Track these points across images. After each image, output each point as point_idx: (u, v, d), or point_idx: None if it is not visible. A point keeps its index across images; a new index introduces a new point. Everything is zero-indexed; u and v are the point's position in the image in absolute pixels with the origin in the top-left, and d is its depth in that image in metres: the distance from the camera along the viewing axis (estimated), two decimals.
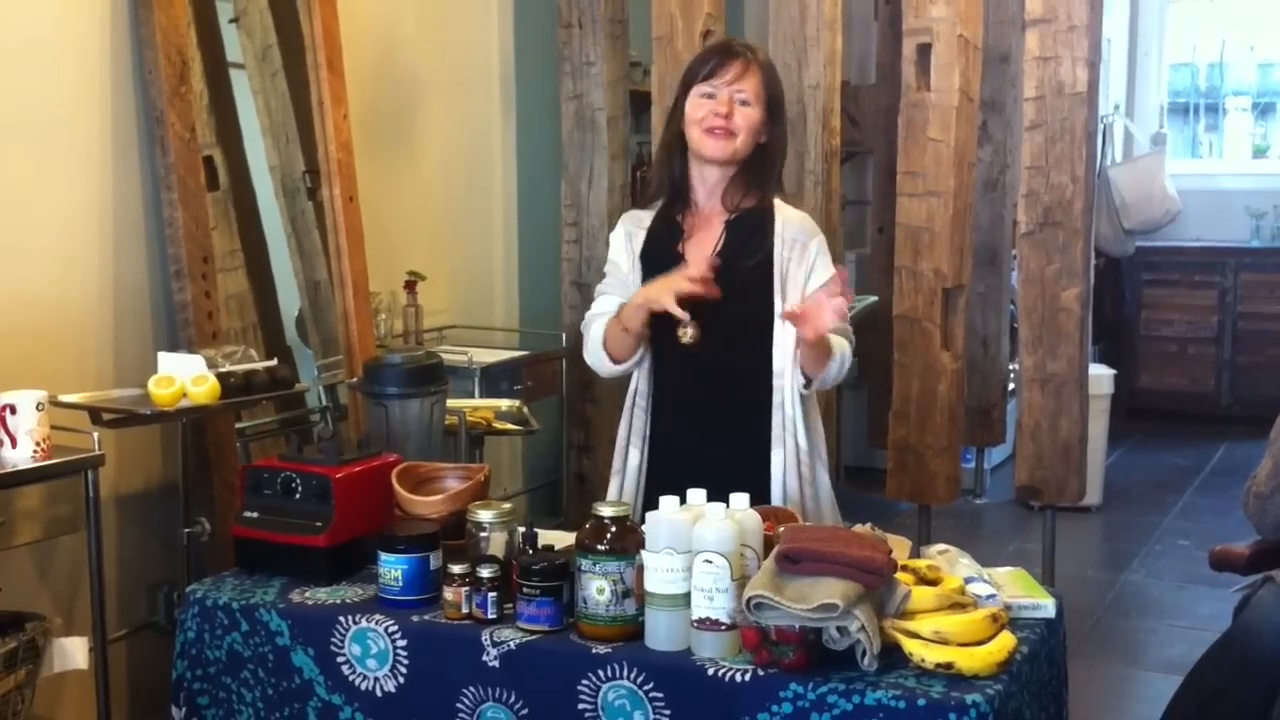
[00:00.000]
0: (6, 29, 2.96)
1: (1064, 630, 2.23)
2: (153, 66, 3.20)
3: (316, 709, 2.19)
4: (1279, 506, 2.72)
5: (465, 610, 2.12)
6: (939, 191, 3.71)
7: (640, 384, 2.63)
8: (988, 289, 5.02)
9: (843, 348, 2.52)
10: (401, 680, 2.12)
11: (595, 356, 2.63)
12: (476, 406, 3.58)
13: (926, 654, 1.88)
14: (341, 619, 2.17)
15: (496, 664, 2.05)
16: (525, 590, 2.06)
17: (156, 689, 2.89)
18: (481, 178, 4.64)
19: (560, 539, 2.27)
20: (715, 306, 2.51)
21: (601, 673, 1.98)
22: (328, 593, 2.27)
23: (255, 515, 2.37)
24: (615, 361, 2.61)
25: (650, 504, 2.10)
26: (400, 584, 2.18)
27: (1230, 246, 7.52)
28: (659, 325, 2.52)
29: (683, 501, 2.05)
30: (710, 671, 1.92)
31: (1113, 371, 5.88)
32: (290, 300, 3.75)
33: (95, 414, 2.84)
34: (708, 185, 2.60)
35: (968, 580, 2.08)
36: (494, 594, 2.11)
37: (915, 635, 1.91)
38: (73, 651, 2.72)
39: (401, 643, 2.12)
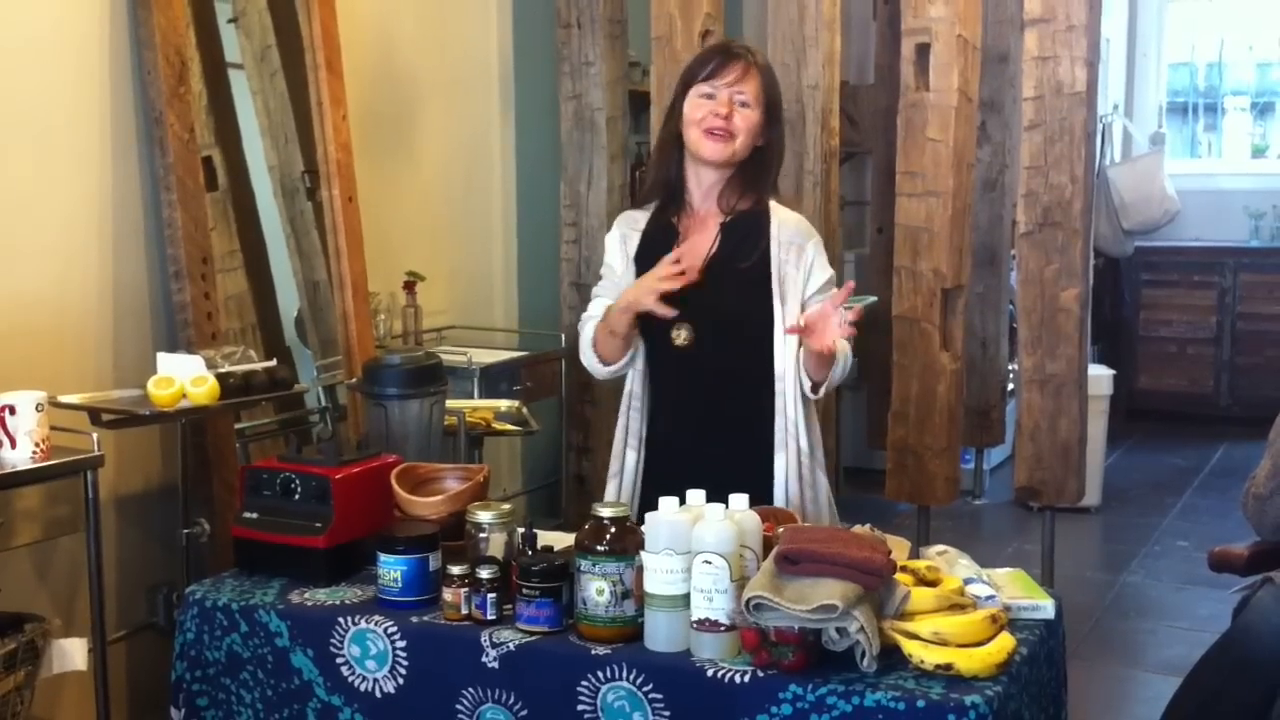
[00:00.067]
0: (6, 29, 2.96)
1: (1063, 631, 2.23)
2: (152, 67, 3.20)
3: (316, 710, 2.19)
4: (1278, 507, 2.72)
5: (465, 611, 2.12)
6: (938, 192, 3.71)
7: (634, 386, 2.62)
8: (987, 289, 5.03)
9: (845, 350, 2.52)
10: (401, 681, 2.12)
11: (587, 359, 2.64)
12: (476, 407, 3.58)
13: (926, 655, 1.88)
14: (341, 620, 2.17)
15: (496, 665, 2.05)
16: (524, 591, 2.06)
17: (156, 690, 2.89)
18: (481, 178, 4.64)
19: (559, 540, 2.27)
20: (711, 308, 2.51)
21: (601, 674, 1.98)
22: (327, 594, 2.26)
23: (254, 516, 2.37)
24: (605, 364, 2.61)
25: (648, 506, 2.10)
26: (399, 585, 2.18)
27: (1229, 246, 7.53)
28: (653, 327, 2.52)
29: (682, 502, 2.05)
30: (709, 673, 1.92)
31: (1112, 372, 5.88)
32: (289, 301, 3.75)
33: (94, 414, 2.84)
34: (704, 187, 2.60)
35: (967, 581, 2.08)
36: (493, 595, 2.11)
37: (914, 636, 1.91)
38: (72, 653, 2.72)
39: (401, 644, 2.12)
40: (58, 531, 2.73)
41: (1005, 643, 1.93)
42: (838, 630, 1.88)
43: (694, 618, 1.96)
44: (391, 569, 2.18)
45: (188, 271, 3.24)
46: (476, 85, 4.60)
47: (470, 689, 2.07)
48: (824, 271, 2.58)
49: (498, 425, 3.60)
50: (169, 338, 3.30)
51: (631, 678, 1.96)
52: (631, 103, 4.70)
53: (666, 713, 1.94)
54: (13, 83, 2.97)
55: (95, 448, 2.70)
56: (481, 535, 2.20)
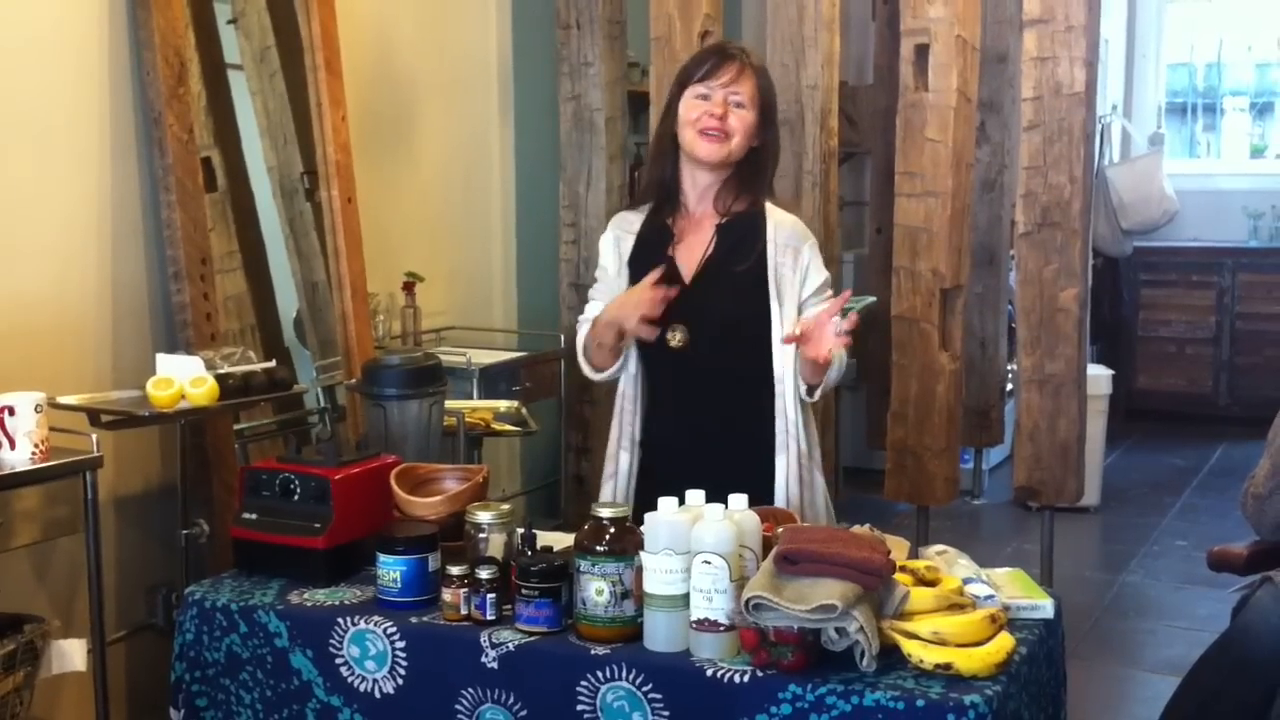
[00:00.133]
0: (6, 30, 2.96)
1: (1062, 631, 2.23)
2: (151, 68, 3.20)
3: (315, 710, 2.19)
4: (1277, 507, 2.72)
5: (464, 611, 2.12)
6: (937, 192, 3.71)
7: (626, 388, 2.63)
8: (986, 290, 5.03)
9: (840, 355, 2.52)
10: (400, 681, 2.12)
11: (582, 363, 2.66)
12: (475, 408, 3.58)
13: (925, 655, 1.88)
14: (340, 620, 2.17)
15: (495, 665, 2.05)
16: (524, 591, 2.06)
17: (155, 691, 2.89)
18: (480, 179, 4.64)
19: (559, 540, 2.27)
20: (707, 310, 2.52)
21: (600, 674, 1.98)
22: (326, 594, 2.27)
23: (254, 517, 2.37)
24: (597, 370, 2.63)
25: (644, 507, 2.10)
26: (399, 585, 2.18)
27: (1228, 246, 7.53)
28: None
29: (681, 502, 2.05)
30: (709, 672, 1.92)
31: (1111, 372, 5.88)
32: (288, 301, 3.75)
33: (94, 415, 2.84)
34: (699, 188, 2.60)
35: (966, 581, 2.08)
36: (493, 595, 2.11)
37: (914, 636, 1.91)
38: (71, 653, 2.72)
39: (400, 644, 2.12)
40: (57, 532, 2.73)
41: (1004, 642, 1.93)
42: (837, 630, 1.88)
43: (693, 618, 1.96)
44: (391, 569, 2.18)
45: (187, 272, 3.24)
46: (476, 86, 4.60)
47: (470, 689, 2.07)
48: (820, 274, 2.58)
49: (497, 426, 3.60)
50: (168, 338, 3.30)
51: (631, 678, 1.96)
52: (631, 103, 4.70)
53: (666, 713, 1.94)
54: (12, 83, 2.97)
55: (94, 448, 2.70)
56: (481, 536, 2.21)
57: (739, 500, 2.06)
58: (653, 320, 2.44)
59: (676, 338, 2.51)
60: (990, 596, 2.05)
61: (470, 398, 3.78)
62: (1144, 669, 4.10)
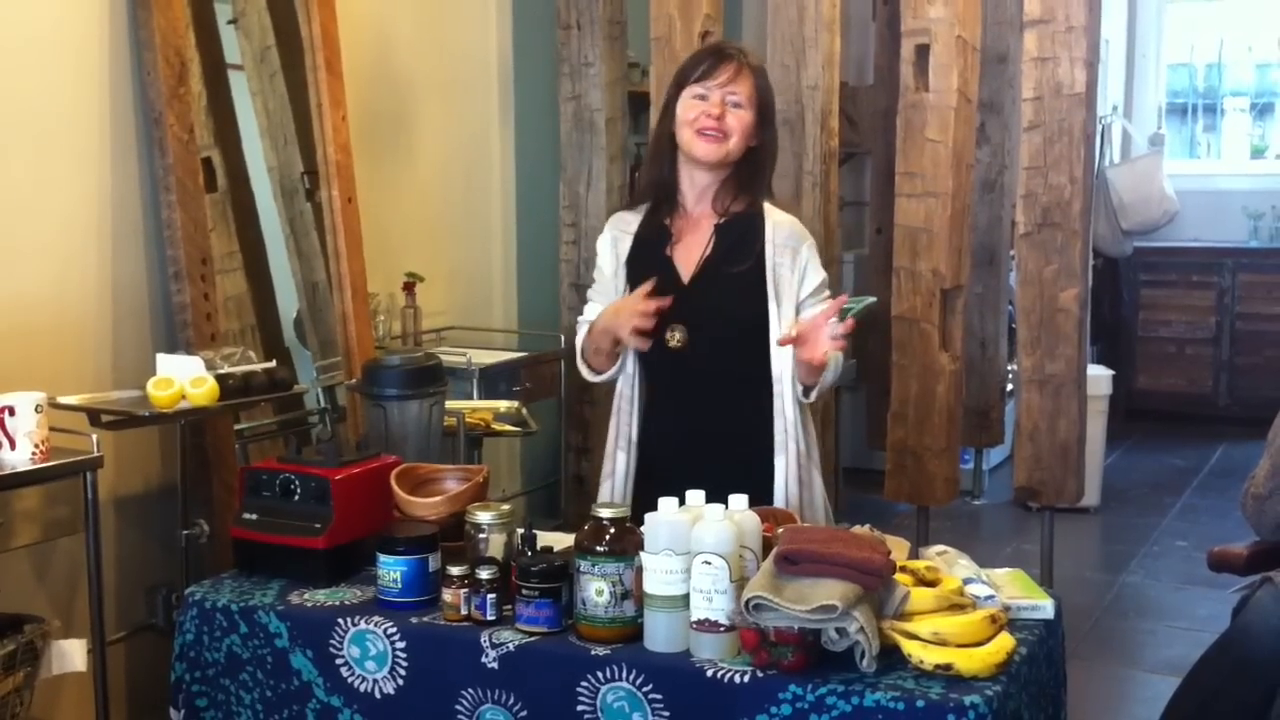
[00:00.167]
0: (6, 29, 2.96)
1: (1062, 631, 2.23)
2: (151, 68, 3.20)
3: (315, 710, 2.19)
4: (1277, 508, 2.72)
5: (464, 612, 2.12)
6: (937, 192, 3.71)
7: (624, 388, 2.63)
8: (986, 290, 5.03)
9: (835, 357, 2.52)
10: (400, 682, 2.12)
11: (580, 365, 2.67)
12: (475, 408, 3.58)
13: (925, 655, 1.88)
14: (340, 621, 2.17)
15: (495, 665, 2.05)
16: (524, 592, 2.06)
17: (155, 691, 2.89)
18: (480, 179, 4.64)
19: (559, 540, 2.27)
20: (706, 310, 2.52)
21: (600, 674, 1.98)
22: (327, 594, 2.27)
23: (254, 517, 2.37)
24: (595, 372, 2.64)
25: (641, 507, 2.10)
26: (399, 586, 2.18)
27: (1228, 247, 7.53)
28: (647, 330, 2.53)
29: (682, 503, 2.05)
30: (709, 673, 1.93)
31: (1111, 372, 5.88)
32: (289, 302, 3.75)
33: (94, 416, 2.84)
34: (697, 188, 2.60)
35: (966, 581, 2.08)
36: (493, 595, 2.11)
37: (914, 636, 1.91)
38: (71, 653, 2.72)
39: (400, 644, 2.12)
40: (57, 532, 2.73)
41: (1005, 643, 1.93)
42: (837, 630, 1.88)
43: (693, 618, 1.96)
44: (391, 570, 2.18)
45: (187, 272, 3.24)
46: (476, 86, 4.60)
47: (470, 689, 2.07)
48: (818, 274, 2.58)
49: (497, 426, 3.60)
50: (168, 339, 3.30)
51: (631, 678, 1.96)
52: (631, 104, 4.70)
53: (666, 713, 1.94)
54: (13, 83, 2.97)
55: (95, 449, 2.70)
56: (481, 536, 2.21)
57: (739, 501, 2.06)
58: (646, 331, 2.45)
59: (676, 338, 2.51)
60: (990, 597, 2.05)
61: (470, 398, 3.78)
62: (1144, 669, 4.10)
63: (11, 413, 2.57)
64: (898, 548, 2.18)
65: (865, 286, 5.70)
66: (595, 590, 2.00)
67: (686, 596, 1.96)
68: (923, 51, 3.72)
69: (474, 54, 4.58)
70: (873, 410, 5.62)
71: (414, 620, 2.14)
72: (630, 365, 2.60)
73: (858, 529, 2.17)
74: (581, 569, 2.02)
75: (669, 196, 2.62)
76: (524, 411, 3.73)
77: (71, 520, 2.70)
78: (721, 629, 1.95)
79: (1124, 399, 7.14)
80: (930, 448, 3.74)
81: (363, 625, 2.15)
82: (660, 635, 1.99)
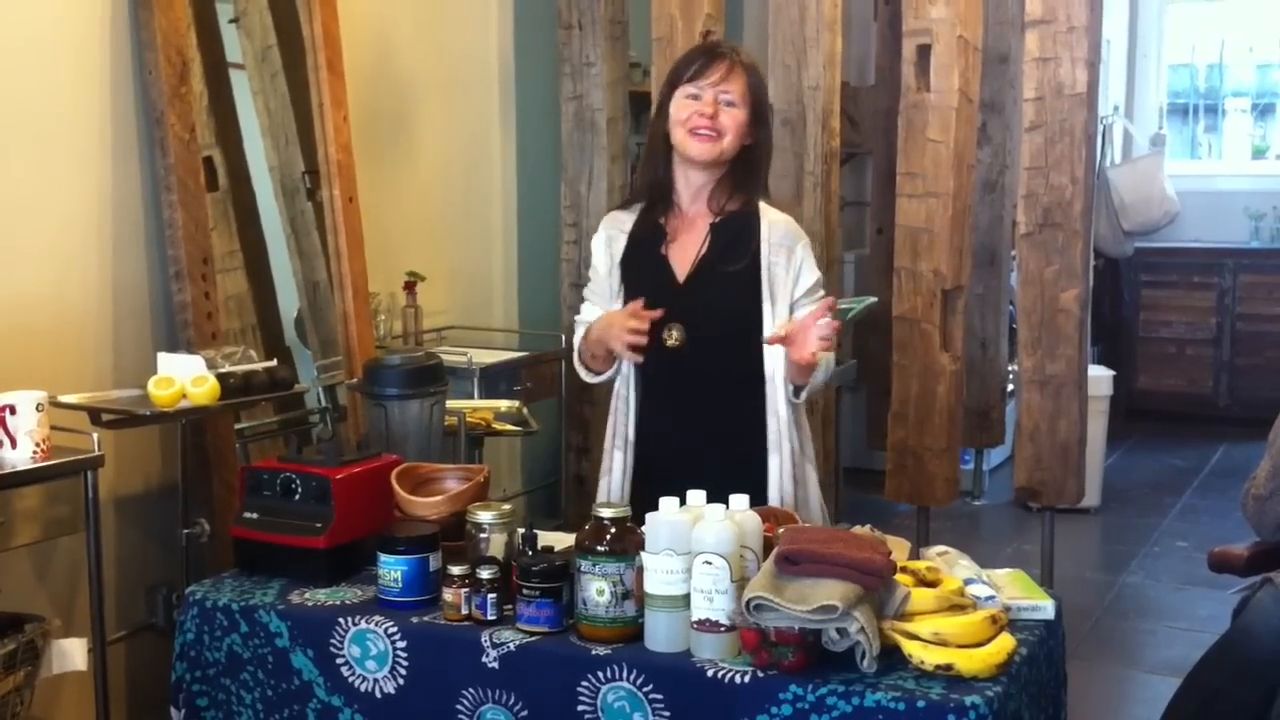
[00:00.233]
0: (6, 30, 2.96)
1: (1063, 632, 2.23)
2: (153, 67, 3.20)
3: (316, 710, 2.19)
4: (1278, 508, 2.72)
5: (465, 611, 2.12)
6: (938, 192, 3.71)
7: (620, 388, 2.65)
8: (987, 290, 5.03)
9: (826, 358, 2.53)
10: (401, 682, 2.12)
11: (577, 366, 2.69)
12: (476, 407, 3.58)
13: (926, 655, 1.88)
14: (341, 620, 2.17)
15: (496, 665, 2.05)
16: (525, 592, 2.06)
17: (155, 690, 2.89)
18: (481, 179, 4.64)
19: (559, 540, 2.27)
20: (702, 309, 2.53)
21: (601, 674, 1.98)
22: (327, 594, 2.27)
23: (255, 516, 2.37)
24: (592, 373, 2.66)
25: (638, 506, 2.11)
26: (400, 585, 2.18)
27: (1229, 248, 7.52)
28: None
29: (683, 503, 2.05)
30: (710, 673, 1.93)
31: (1111, 373, 5.88)
32: (289, 301, 3.75)
33: (95, 415, 2.84)
34: (692, 188, 2.60)
35: (967, 582, 2.08)
36: (493, 595, 2.11)
37: (914, 637, 1.91)
38: (71, 653, 2.72)
39: (401, 644, 2.12)
40: (58, 531, 2.73)
41: (1005, 643, 1.93)
42: (838, 631, 1.88)
43: (694, 618, 1.96)
44: (392, 569, 2.18)
45: (188, 272, 3.24)
46: (477, 86, 4.60)
47: (470, 689, 2.07)
48: (812, 273, 2.59)
49: (498, 425, 3.60)
50: (169, 338, 3.31)
51: (632, 678, 1.96)
52: (632, 104, 4.70)
53: (666, 713, 1.94)
54: (13, 83, 2.97)
55: (95, 448, 2.70)
56: (482, 535, 2.21)
57: (740, 501, 2.06)
58: (638, 346, 2.46)
59: (674, 336, 2.52)
60: (991, 597, 2.05)
61: (471, 397, 3.78)
62: (1144, 670, 4.10)
63: (13, 411, 2.57)
64: (898, 548, 2.18)
65: (866, 287, 5.70)
66: (596, 590, 2.00)
67: (687, 596, 1.96)
68: (924, 51, 3.72)
69: (475, 54, 4.59)
70: (873, 410, 5.62)
71: (415, 620, 2.14)
72: (627, 365, 2.61)
73: (858, 529, 2.17)
74: (582, 569, 2.02)
75: (664, 196, 2.62)
76: (524, 411, 3.73)
77: (72, 519, 2.70)
78: (722, 629, 1.95)
79: (1124, 399, 7.13)
80: (931, 448, 3.74)
81: (363, 625, 2.15)
82: (661, 635, 1.99)
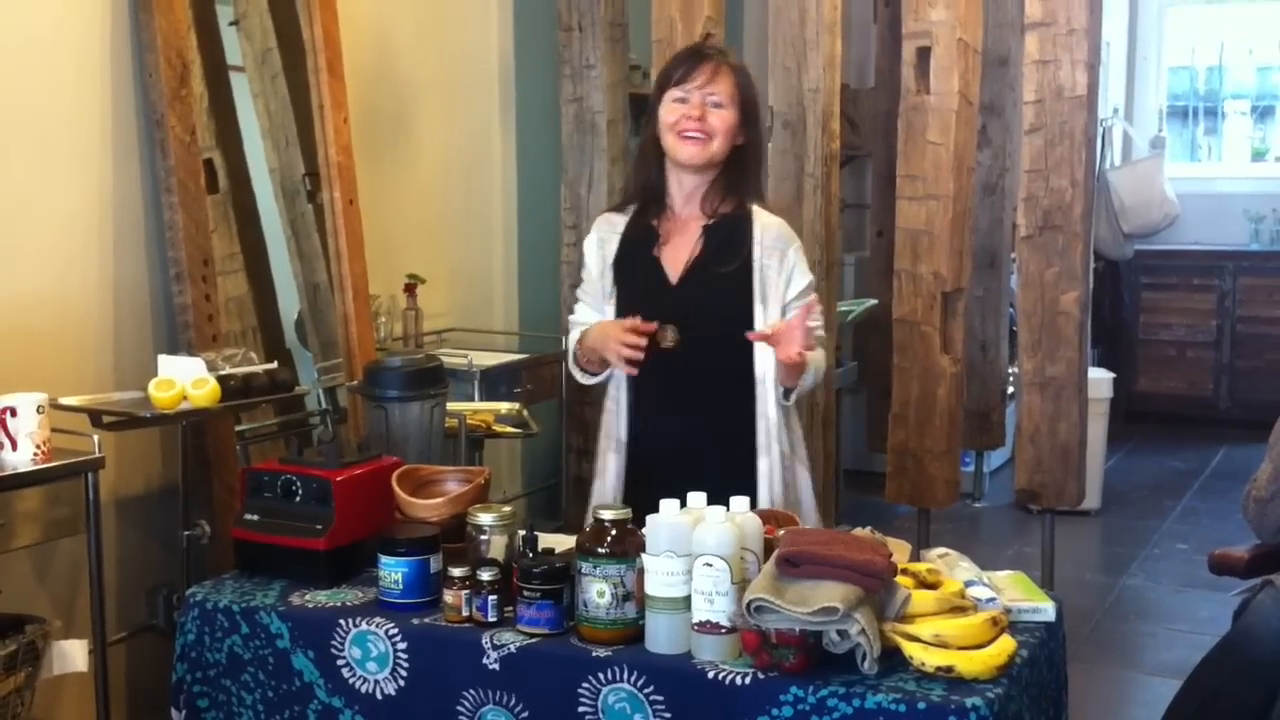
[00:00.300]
0: (7, 31, 2.96)
1: (1063, 634, 2.23)
2: (153, 69, 3.20)
3: (317, 711, 2.19)
4: (1278, 510, 2.72)
5: (465, 613, 2.12)
6: (938, 195, 3.72)
7: (612, 389, 2.66)
8: (987, 292, 5.03)
9: (815, 360, 2.54)
10: (402, 683, 2.12)
11: (572, 368, 2.71)
12: (476, 409, 3.58)
13: (926, 657, 1.88)
14: (342, 622, 2.17)
15: (497, 667, 2.05)
16: (525, 593, 2.06)
17: (156, 691, 2.89)
18: (481, 180, 4.64)
19: (560, 542, 2.27)
20: (694, 310, 2.54)
21: (602, 675, 1.98)
22: (328, 595, 2.27)
23: (255, 518, 2.38)
24: (587, 374, 2.67)
25: (631, 507, 2.11)
26: (400, 587, 2.18)
27: (1229, 250, 7.53)
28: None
29: (683, 504, 2.05)
30: (710, 674, 1.93)
31: (1111, 375, 5.88)
32: (290, 303, 3.75)
33: (95, 416, 2.84)
34: (685, 191, 2.62)
35: (967, 584, 2.08)
36: (494, 597, 2.11)
37: (915, 639, 1.91)
38: (72, 654, 2.72)
39: (402, 645, 2.12)
40: (58, 533, 2.72)
41: (1006, 645, 1.93)
42: (839, 632, 1.88)
43: (695, 620, 1.96)
44: (392, 571, 2.18)
45: (189, 273, 3.24)
46: (477, 88, 4.60)
47: (471, 691, 2.07)
48: (804, 277, 2.61)
49: (498, 427, 3.61)
50: (170, 340, 3.31)
51: (632, 680, 1.96)
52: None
53: (667, 715, 1.94)
54: (14, 84, 2.97)
55: (96, 449, 2.70)
56: (482, 537, 2.21)
57: (741, 503, 2.06)
58: (634, 361, 2.47)
59: (669, 337, 2.53)
60: (991, 599, 2.05)
61: (471, 399, 3.78)
62: (1145, 672, 4.10)
63: (13, 414, 2.57)
64: (899, 550, 2.18)
65: (866, 289, 5.71)
66: (596, 592, 2.01)
67: (688, 598, 1.97)
68: (924, 54, 3.72)
69: (475, 56, 4.59)
70: (873, 412, 5.62)
71: (415, 621, 2.14)
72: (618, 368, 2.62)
73: (859, 531, 2.17)
74: (583, 570, 2.02)
75: (657, 199, 2.64)
76: (525, 413, 3.73)
77: (73, 521, 2.70)
78: (723, 631, 1.95)
79: (1125, 402, 7.13)
80: (931, 450, 3.74)
81: (364, 626, 2.15)
82: (661, 637, 1.99)
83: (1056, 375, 3.64)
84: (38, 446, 2.59)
